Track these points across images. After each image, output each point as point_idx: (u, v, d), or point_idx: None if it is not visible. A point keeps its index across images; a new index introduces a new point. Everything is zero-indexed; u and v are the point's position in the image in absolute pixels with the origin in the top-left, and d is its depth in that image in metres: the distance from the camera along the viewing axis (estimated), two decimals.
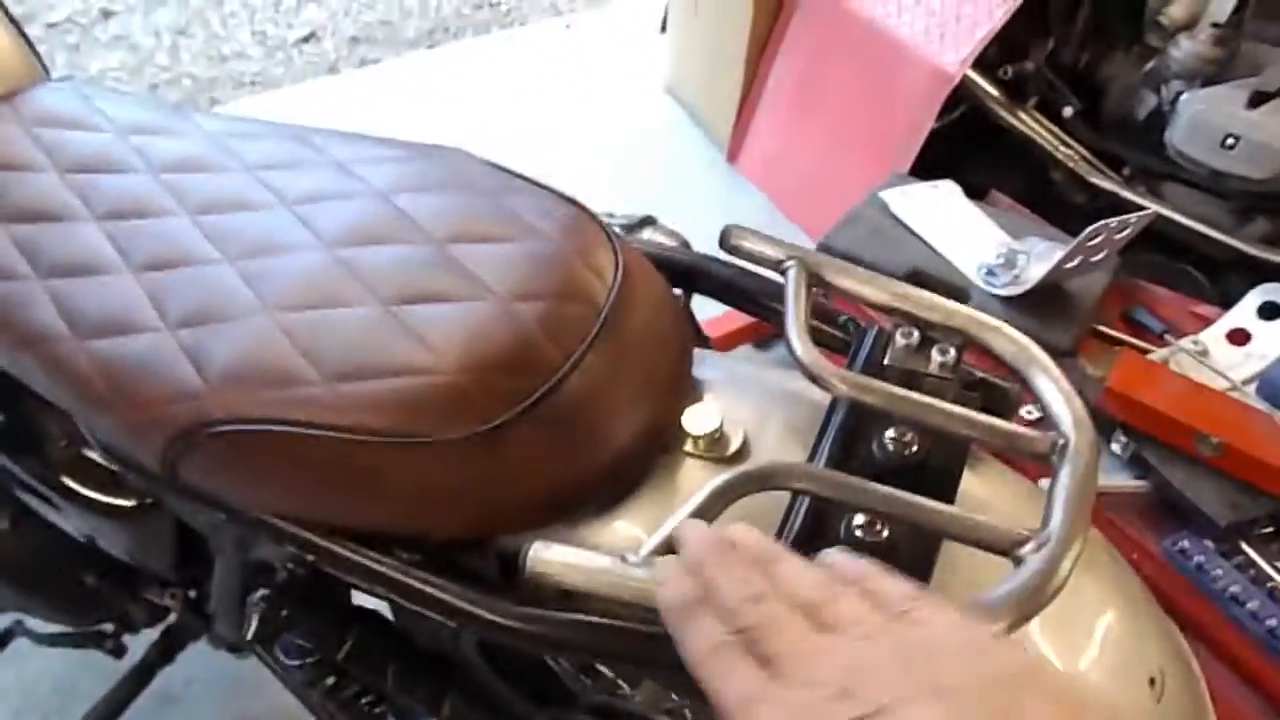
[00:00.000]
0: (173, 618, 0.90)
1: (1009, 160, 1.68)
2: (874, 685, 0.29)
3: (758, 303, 0.61)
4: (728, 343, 1.46)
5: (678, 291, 0.68)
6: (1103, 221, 1.22)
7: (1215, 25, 1.39)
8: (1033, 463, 0.46)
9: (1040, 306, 1.30)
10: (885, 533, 0.46)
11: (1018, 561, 0.41)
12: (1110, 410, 1.18)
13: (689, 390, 0.55)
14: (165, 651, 0.94)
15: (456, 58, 2.43)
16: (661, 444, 0.53)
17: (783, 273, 0.54)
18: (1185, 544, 1.11)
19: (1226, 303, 1.39)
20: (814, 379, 0.48)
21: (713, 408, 0.52)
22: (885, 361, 0.52)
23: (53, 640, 0.97)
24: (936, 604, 0.32)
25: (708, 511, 0.44)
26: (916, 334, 0.52)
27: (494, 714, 0.62)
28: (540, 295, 0.50)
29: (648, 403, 0.52)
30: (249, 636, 0.55)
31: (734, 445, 0.52)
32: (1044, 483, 0.52)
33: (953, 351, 0.51)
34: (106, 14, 2.53)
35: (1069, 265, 1.26)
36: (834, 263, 0.54)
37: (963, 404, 0.49)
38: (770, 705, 0.30)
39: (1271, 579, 1.07)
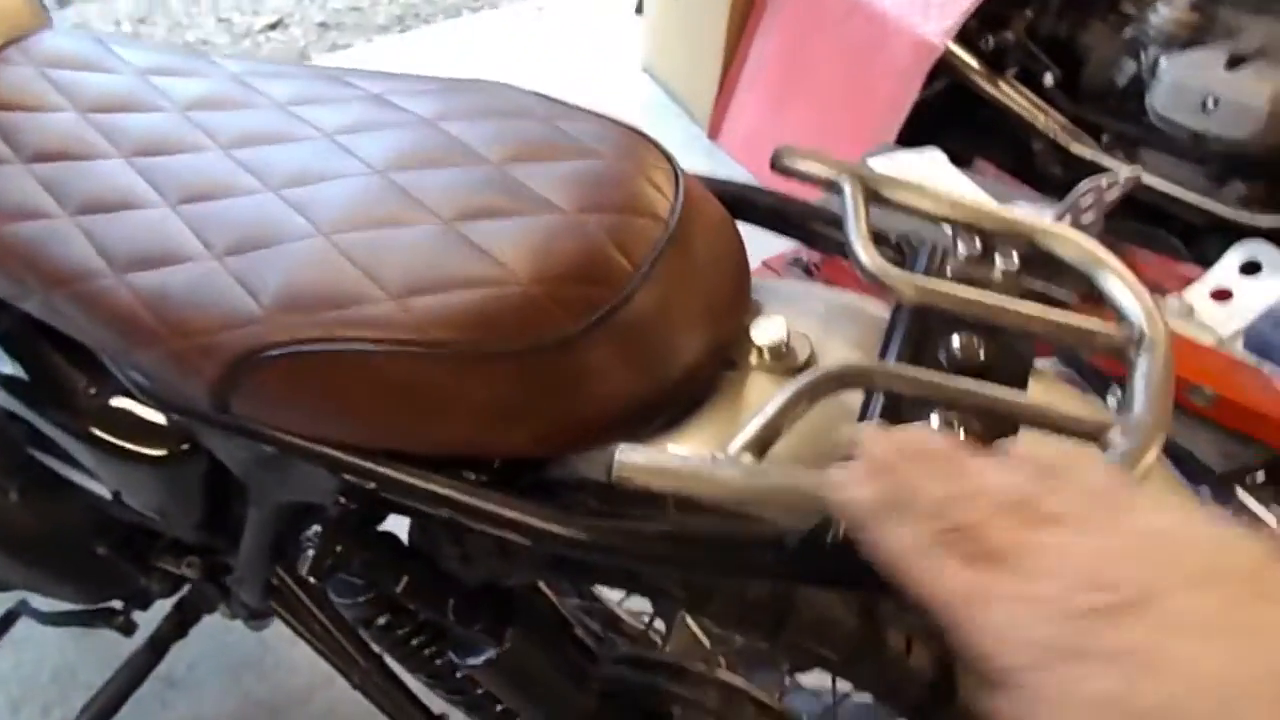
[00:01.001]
0: (188, 588, 0.88)
1: (990, 131, 1.71)
2: (1121, 575, 0.27)
3: (811, 230, 0.61)
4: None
5: None
6: (1093, 177, 1.24)
7: None
8: (1108, 359, 0.47)
9: (1030, 271, 1.32)
10: (962, 433, 0.46)
11: (1105, 447, 0.42)
12: (1103, 368, 1.20)
13: (750, 307, 0.55)
14: (179, 625, 0.91)
15: (428, 42, 2.40)
16: (728, 359, 0.52)
17: (838, 189, 0.54)
18: None
19: (1204, 266, 1.43)
20: (882, 284, 0.48)
21: (778, 319, 0.51)
22: (948, 273, 0.52)
23: (58, 619, 0.94)
24: (1154, 497, 0.31)
25: (794, 408, 0.43)
26: (977, 242, 0.52)
27: (549, 651, 0.61)
28: (607, 208, 0.50)
29: (714, 317, 0.51)
30: (304, 572, 0.53)
31: (802, 357, 0.52)
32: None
33: (1015, 256, 0.51)
34: (63, 1, 2.47)
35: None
36: (887, 177, 0.54)
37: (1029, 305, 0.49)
38: (1004, 600, 0.28)
39: (1266, 524, 1.10)
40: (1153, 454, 0.41)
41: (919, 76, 1.63)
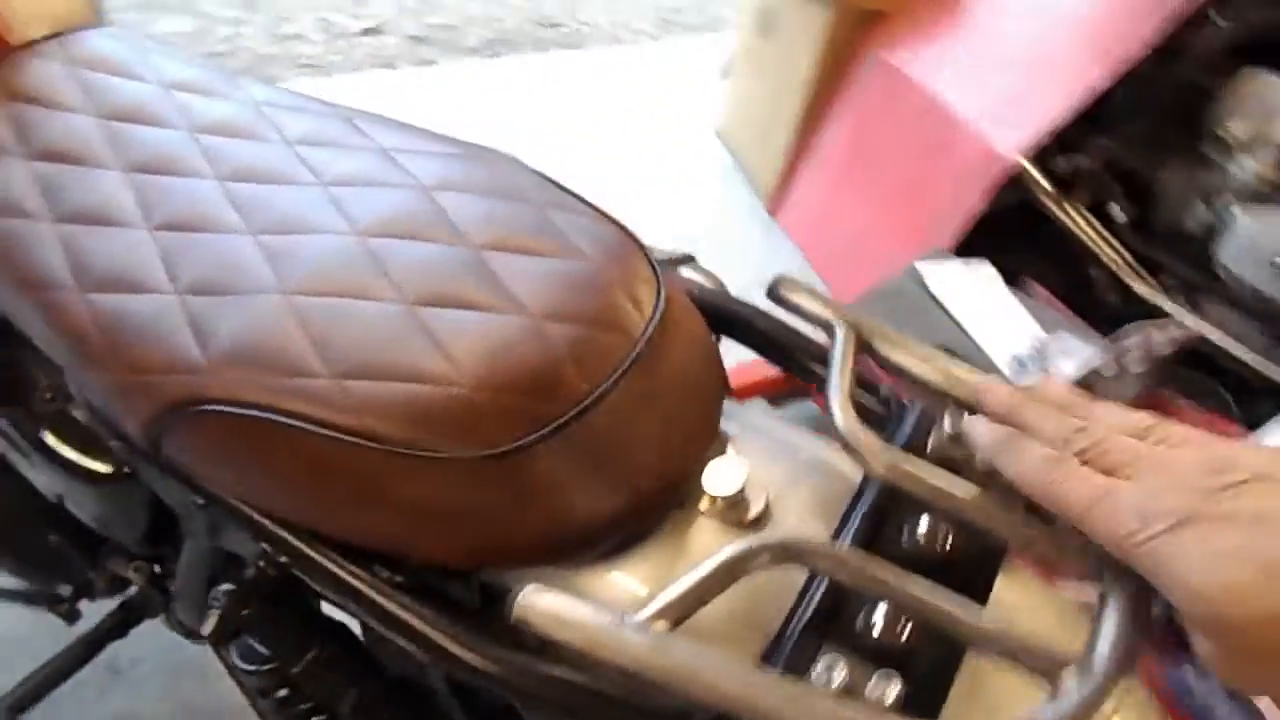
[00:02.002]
0: (133, 591, 0.86)
1: (1051, 253, 1.66)
2: (1239, 460, 0.33)
3: (795, 360, 0.58)
4: (742, 394, 1.43)
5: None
6: (1141, 323, 1.19)
7: (1277, 146, 1.37)
8: (1080, 579, 0.43)
9: None
10: (909, 629, 0.42)
11: (1055, 686, 0.38)
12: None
13: (714, 441, 0.51)
14: (121, 624, 0.89)
15: (514, 71, 2.43)
16: (678, 496, 0.49)
17: (830, 333, 0.51)
18: (1190, 677, 1.07)
19: (1253, 426, 1.35)
20: (853, 453, 0.45)
21: (737, 468, 0.48)
22: (928, 448, 0.49)
23: (3, 595, 0.93)
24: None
25: (724, 578, 0.40)
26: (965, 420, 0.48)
27: None
28: (574, 318, 0.47)
29: (671, 450, 0.48)
30: (205, 633, 0.51)
31: (754, 511, 0.48)
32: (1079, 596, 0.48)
33: None
34: None
35: (1100, 366, 1.23)
36: (886, 331, 0.51)
37: (1006, 503, 0.45)
38: (1130, 491, 0.34)
39: (1260, 712, 1.03)
40: (1108, 704, 0.37)
41: (984, 187, 1.59)
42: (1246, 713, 1.02)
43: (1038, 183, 1.59)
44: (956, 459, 0.49)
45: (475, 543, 0.46)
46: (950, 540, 0.45)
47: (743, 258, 1.86)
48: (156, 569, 0.82)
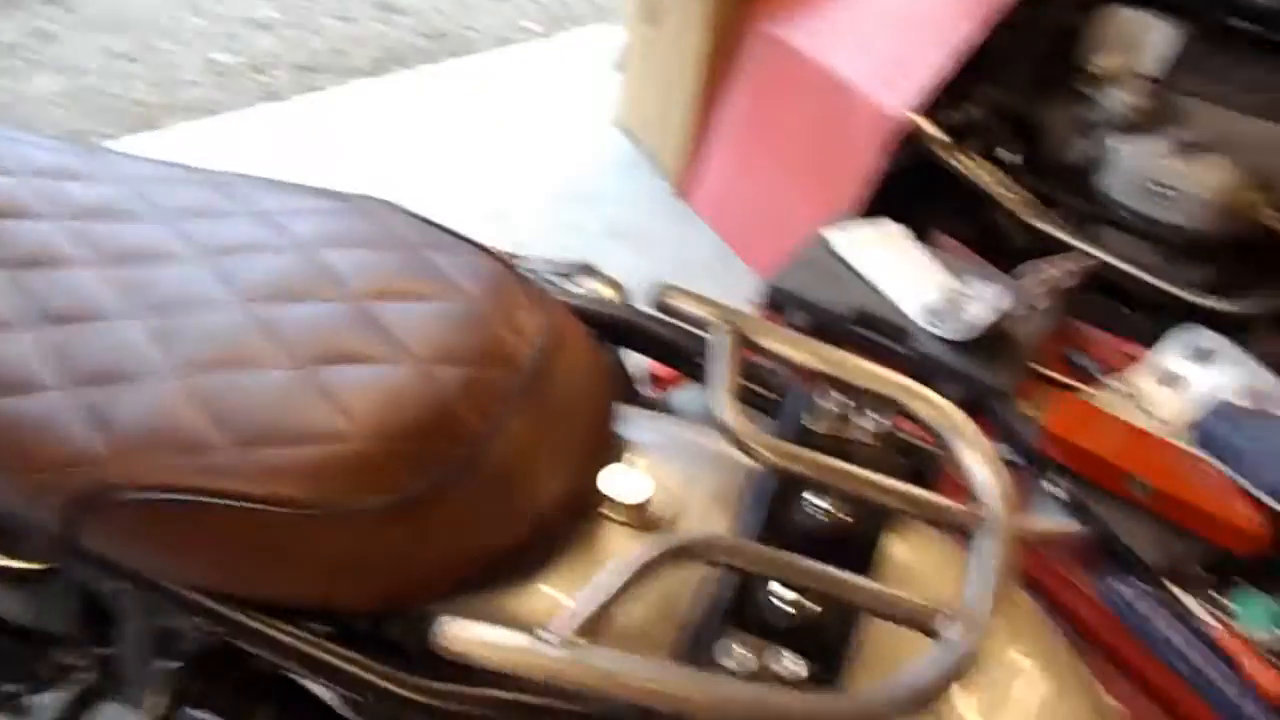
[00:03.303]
0: (83, 678, 0.86)
1: (954, 201, 1.71)
2: None
3: (689, 360, 0.61)
4: (677, 380, 1.45)
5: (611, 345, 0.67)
6: (1042, 262, 1.24)
7: (1143, 76, 1.44)
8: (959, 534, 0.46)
9: (981, 348, 1.32)
10: (807, 604, 0.45)
11: (936, 638, 0.41)
12: (1047, 451, 1.20)
13: (611, 452, 0.54)
14: (76, 713, 0.89)
15: (405, 86, 2.41)
16: (582, 507, 0.51)
17: (711, 334, 0.53)
18: (1119, 585, 1.13)
19: (1160, 345, 1.42)
20: (741, 446, 0.48)
21: (635, 476, 0.51)
22: (814, 427, 0.52)
23: None
24: None
25: (625, 588, 0.43)
26: (844, 399, 0.52)
27: None
28: (461, 359, 0.49)
29: (567, 469, 0.50)
30: (147, 714, 0.52)
31: (656, 512, 0.51)
32: None
33: (879, 417, 0.51)
34: (47, 37, 2.48)
35: (1009, 307, 1.29)
36: (762, 324, 0.54)
37: (891, 471, 0.48)
38: None
39: (1200, 619, 1.09)
40: (983, 647, 0.40)
41: (881, 147, 1.64)
42: (1185, 626, 1.08)
43: (931, 136, 1.65)
44: (842, 435, 0.52)
45: (394, 587, 0.48)
46: (842, 513, 0.49)
47: (659, 247, 1.89)
48: (105, 651, 0.82)
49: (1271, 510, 1.12)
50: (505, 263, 0.56)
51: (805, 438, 0.51)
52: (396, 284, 0.54)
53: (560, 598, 0.50)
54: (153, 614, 0.59)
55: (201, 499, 0.47)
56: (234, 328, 0.53)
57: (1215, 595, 1.12)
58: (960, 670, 0.39)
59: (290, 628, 0.49)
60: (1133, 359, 1.42)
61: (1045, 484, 1.24)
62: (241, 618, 0.50)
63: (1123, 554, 1.14)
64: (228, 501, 0.46)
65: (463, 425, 0.47)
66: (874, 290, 1.42)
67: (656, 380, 1.46)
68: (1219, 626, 1.07)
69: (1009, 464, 1.10)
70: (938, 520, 0.46)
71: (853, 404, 0.52)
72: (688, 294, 0.55)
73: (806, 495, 0.49)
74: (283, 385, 0.49)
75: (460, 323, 0.51)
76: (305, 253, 0.57)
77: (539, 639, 0.41)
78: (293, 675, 0.59)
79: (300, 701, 0.59)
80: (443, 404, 0.47)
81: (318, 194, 0.63)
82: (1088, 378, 1.39)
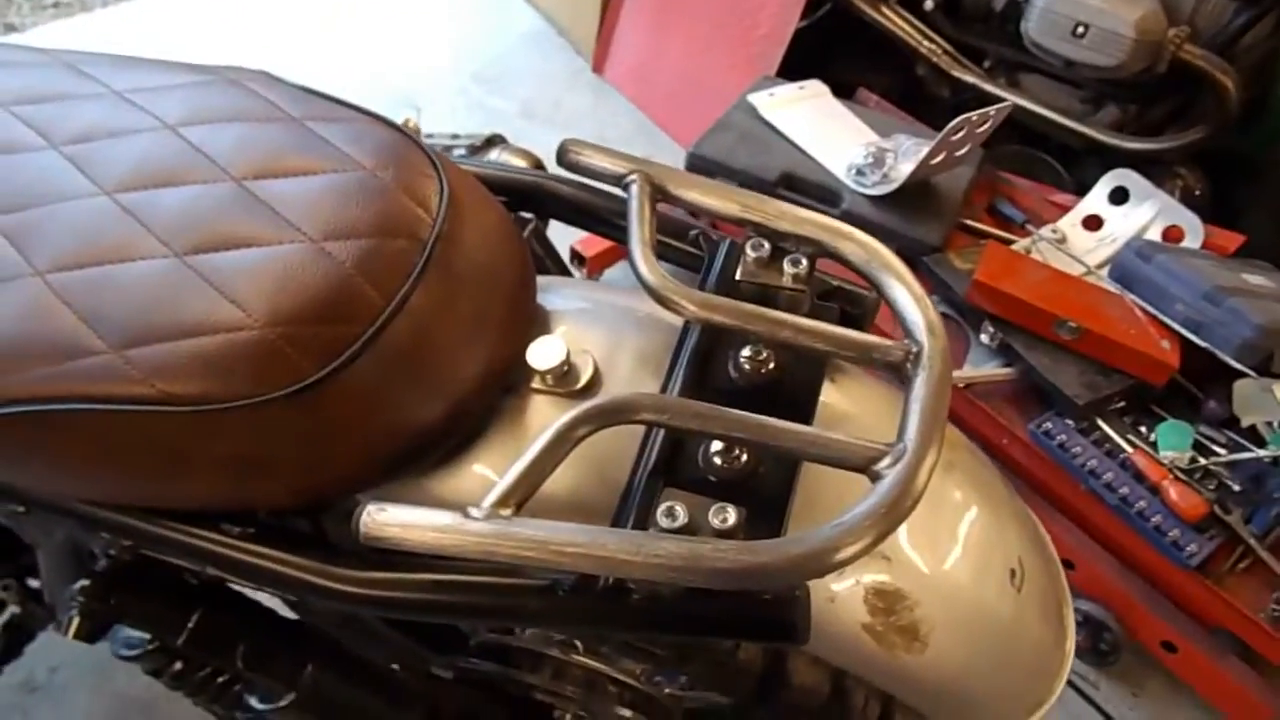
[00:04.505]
0: (12, 610, 0.83)
1: (875, 56, 1.67)
2: None
3: (609, 222, 0.57)
4: (604, 260, 1.42)
5: (529, 216, 0.63)
6: (962, 116, 1.22)
7: None
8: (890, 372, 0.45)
9: (909, 204, 1.31)
10: (744, 457, 0.44)
11: (875, 478, 0.40)
12: (977, 301, 1.21)
13: (533, 323, 0.51)
14: (9, 647, 0.86)
15: None
16: (506, 382, 0.49)
17: (625, 188, 0.50)
18: (1049, 425, 1.17)
19: (1083, 190, 1.43)
20: (661, 301, 0.45)
21: (557, 341, 0.48)
22: (737, 277, 0.50)
23: None
24: None
25: (556, 451, 0.41)
26: (767, 246, 0.49)
27: (357, 680, 0.58)
28: (356, 232, 0.45)
29: (485, 341, 0.48)
30: (71, 636, 0.49)
31: (584, 378, 0.49)
32: None
33: (805, 262, 0.49)
34: None
35: (934, 161, 1.27)
36: (677, 174, 0.51)
37: (819, 315, 0.47)
38: None
39: (1124, 451, 1.14)
40: (921, 481, 0.40)
41: (798, 4, 1.57)
42: (1111, 459, 1.12)
43: None
44: (767, 284, 0.50)
45: (308, 480, 0.45)
46: (773, 363, 0.47)
47: (578, 125, 1.81)
48: (31, 582, 0.79)
49: (1183, 338, 1.16)
50: (401, 130, 0.51)
51: (730, 290, 0.49)
52: (279, 160, 0.49)
53: (492, 476, 0.48)
54: (57, 535, 0.55)
55: (81, 407, 0.43)
56: (100, 219, 0.48)
57: (1136, 427, 1.17)
58: (901, 506, 0.39)
59: (201, 531, 0.47)
60: (1061, 207, 1.43)
61: (978, 334, 1.26)
62: (145, 525, 0.47)
63: (1051, 394, 1.17)
64: (114, 406, 0.43)
65: (362, 303, 0.44)
66: (799, 151, 1.39)
67: (585, 263, 1.42)
68: (1142, 457, 1.12)
69: (942, 316, 1.10)
70: (869, 360, 0.45)
71: (773, 250, 0.49)
72: (594, 147, 0.52)
73: (739, 350, 0.47)
74: (162, 277, 0.45)
75: (353, 195, 0.47)
76: (171, 133, 0.51)
77: (465, 515, 0.39)
78: (231, 583, 0.57)
79: (242, 609, 0.57)
80: (339, 282, 0.44)
81: (178, 68, 0.57)
82: (1015, 228, 1.40)
